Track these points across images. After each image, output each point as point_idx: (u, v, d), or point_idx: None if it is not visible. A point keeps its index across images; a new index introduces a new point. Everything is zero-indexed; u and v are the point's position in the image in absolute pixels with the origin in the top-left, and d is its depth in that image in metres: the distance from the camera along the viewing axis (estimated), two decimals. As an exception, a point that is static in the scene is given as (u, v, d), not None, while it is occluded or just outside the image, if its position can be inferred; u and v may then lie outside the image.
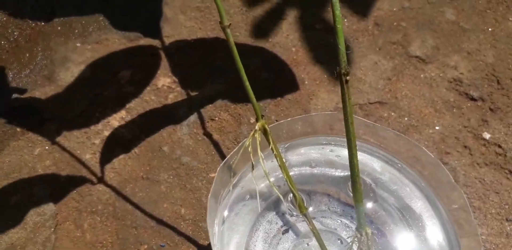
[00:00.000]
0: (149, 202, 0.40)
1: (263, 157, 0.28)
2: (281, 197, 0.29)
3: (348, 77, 0.28)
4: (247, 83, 0.29)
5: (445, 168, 0.29)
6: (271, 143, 0.28)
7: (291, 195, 0.33)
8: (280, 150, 0.33)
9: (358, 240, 0.29)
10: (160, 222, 0.39)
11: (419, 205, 0.32)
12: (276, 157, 0.29)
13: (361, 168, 0.31)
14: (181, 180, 0.41)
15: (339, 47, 0.28)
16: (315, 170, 0.36)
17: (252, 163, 0.29)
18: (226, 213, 0.34)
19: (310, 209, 0.34)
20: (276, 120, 0.44)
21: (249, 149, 0.28)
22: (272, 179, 0.36)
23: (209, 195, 0.28)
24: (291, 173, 0.35)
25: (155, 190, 0.41)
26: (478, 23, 0.50)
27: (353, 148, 0.29)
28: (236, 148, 0.29)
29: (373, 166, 0.34)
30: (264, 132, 0.29)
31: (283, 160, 0.35)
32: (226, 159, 0.29)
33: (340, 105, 0.45)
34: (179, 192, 0.41)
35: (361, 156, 0.33)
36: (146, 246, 0.38)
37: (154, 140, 0.44)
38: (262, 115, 0.29)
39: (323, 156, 0.35)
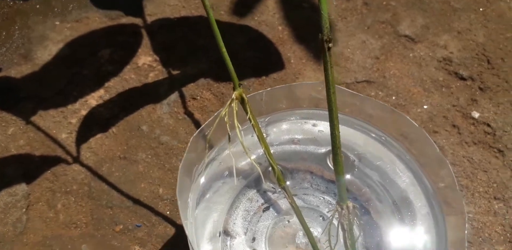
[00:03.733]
0: (126, 182, 0.39)
1: (241, 128, 0.27)
2: (258, 168, 0.27)
3: (330, 44, 0.27)
4: (223, 50, 0.27)
5: (431, 139, 0.27)
6: (249, 112, 0.27)
7: (270, 168, 0.32)
8: (260, 124, 0.32)
9: (339, 214, 0.28)
10: (136, 202, 0.38)
11: (404, 179, 0.31)
12: (254, 127, 0.27)
13: (344, 143, 0.29)
14: (159, 160, 0.40)
15: (321, 13, 0.26)
16: (298, 147, 0.34)
17: (229, 134, 0.27)
18: (203, 190, 0.32)
19: (288, 183, 0.32)
20: (261, 100, 0.42)
21: (226, 119, 0.26)
22: (253, 157, 0.34)
23: (180, 165, 0.26)
24: (272, 150, 0.34)
25: (132, 169, 0.39)
26: (469, 3, 0.48)
27: (335, 119, 0.27)
28: (211, 117, 0.28)
29: (356, 140, 0.32)
30: (242, 101, 0.27)
31: (264, 134, 0.33)
32: (201, 128, 0.28)
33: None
34: (158, 171, 0.39)
35: (344, 130, 0.31)
36: (121, 226, 0.37)
37: (133, 119, 0.42)
38: (240, 84, 0.27)
39: (306, 131, 0.33)
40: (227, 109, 0.26)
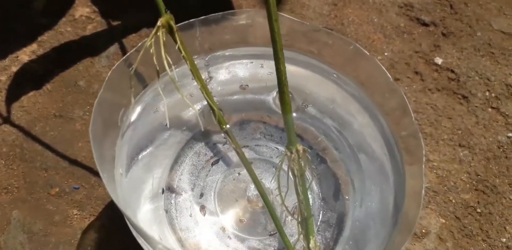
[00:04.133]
0: (62, 141, 0.35)
1: (171, 61, 0.23)
2: (195, 110, 0.24)
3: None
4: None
5: (384, 68, 0.25)
6: (178, 42, 0.23)
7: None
8: (199, 66, 0.28)
9: (288, 158, 0.25)
10: (73, 162, 0.34)
11: (359, 121, 0.28)
12: (185, 59, 0.24)
13: (293, 86, 0.26)
14: (99, 116, 0.36)
15: None
16: (247, 95, 0.31)
17: (157, 69, 0.24)
18: (140, 142, 0.29)
19: (228, 125, 0.29)
20: (210, 48, 0.39)
21: (152, 50, 0.23)
22: (198, 107, 0.31)
23: (95, 102, 0.23)
24: (218, 97, 0.31)
25: (68, 128, 0.36)
26: None
27: (279, 51, 0.24)
28: (134, 48, 0.24)
29: (306, 81, 0.29)
30: (170, 31, 0.24)
31: (205, 78, 0.30)
32: (123, 58, 0.24)
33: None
34: (97, 129, 0.35)
35: (291, 69, 0.28)
36: (57, 189, 0.33)
37: (69, 74, 0.38)
38: (166, 10, 0.24)
39: (254, 74, 0.30)
40: (152, 39, 0.22)
